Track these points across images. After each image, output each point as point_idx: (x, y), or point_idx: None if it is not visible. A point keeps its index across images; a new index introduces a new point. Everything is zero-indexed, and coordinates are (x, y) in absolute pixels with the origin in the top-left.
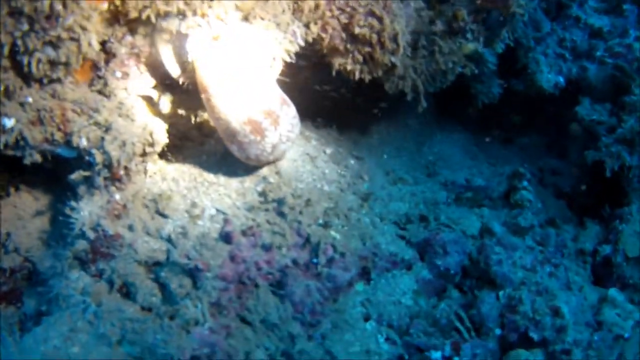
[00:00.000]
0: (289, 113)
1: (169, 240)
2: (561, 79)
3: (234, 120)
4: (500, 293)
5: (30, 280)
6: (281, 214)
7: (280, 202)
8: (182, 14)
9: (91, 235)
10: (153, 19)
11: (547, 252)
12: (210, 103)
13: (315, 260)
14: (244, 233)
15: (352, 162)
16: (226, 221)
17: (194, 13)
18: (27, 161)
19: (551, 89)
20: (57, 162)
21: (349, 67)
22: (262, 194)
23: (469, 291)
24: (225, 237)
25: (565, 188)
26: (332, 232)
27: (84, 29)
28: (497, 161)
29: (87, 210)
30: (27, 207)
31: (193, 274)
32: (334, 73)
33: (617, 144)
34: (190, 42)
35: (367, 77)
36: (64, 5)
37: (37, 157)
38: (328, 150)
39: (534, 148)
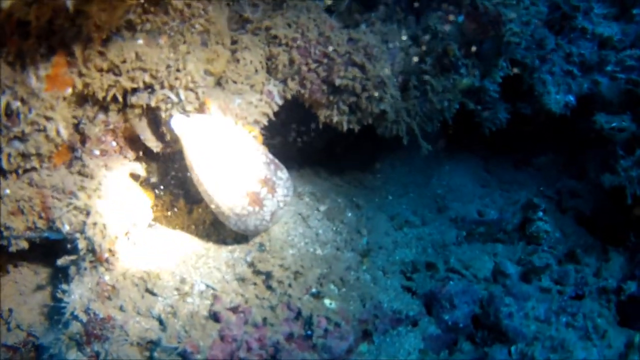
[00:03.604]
0: (283, 176)
1: (159, 320)
2: (571, 98)
3: (232, 196)
4: (512, 348)
5: (37, 353)
6: (270, 288)
7: (268, 275)
8: (150, 87)
9: (83, 318)
10: (119, 98)
11: (562, 299)
12: (199, 181)
13: (309, 333)
14: (233, 310)
15: (350, 214)
16: (215, 297)
17: (162, 86)
18: (12, 249)
19: (561, 110)
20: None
21: (335, 119)
22: (252, 264)
23: (482, 343)
24: (215, 316)
25: (585, 211)
26: (326, 301)
27: (49, 118)
28: (511, 187)
29: (77, 293)
30: (27, 282)
31: (183, 355)
32: (320, 126)
33: (637, 168)
34: (173, 120)
35: (357, 127)
36: (23, 101)
37: (24, 244)
38: (322, 207)
39: (550, 168)
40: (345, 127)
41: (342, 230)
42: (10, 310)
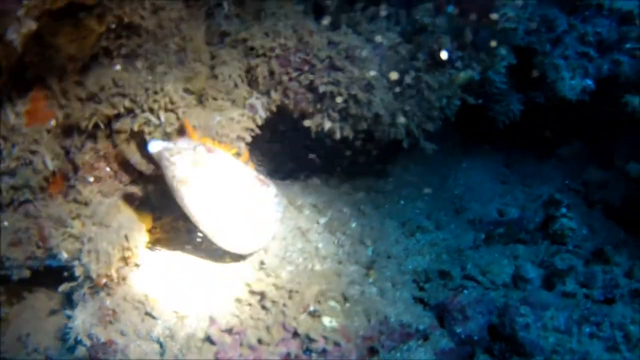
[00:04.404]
0: (269, 194)
1: (159, 343)
2: (589, 82)
3: (215, 217)
4: None
5: None
6: (265, 308)
7: (262, 295)
8: (131, 112)
9: (87, 342)
10: (102, 126)
11: (586, 306)
12: (185, 205)
13: (307, 353)
14: (228, 332)
15: (354, 225)
16: (212, 320)
17: (142, 109)
18: (15, 278)
19: (577, 96)
20: None
21: (326, 127)
22: (247, 284)
23: (500, 356)
24: (210, 338)
25: (615, 204)
26: (325, 319)
27: (34, 152)
28: (534, 181)
29: (80, 318)
30: (42, 306)
31: None
32: (313, 135)
33: None
34: (150, 146)
35: (351, 134)
36: (4, 139)
37: (26, 273)
38: (323, 220)
39: (575, 158)
40: (339, 135)
41: (345, 243)
42: (27, 335)
